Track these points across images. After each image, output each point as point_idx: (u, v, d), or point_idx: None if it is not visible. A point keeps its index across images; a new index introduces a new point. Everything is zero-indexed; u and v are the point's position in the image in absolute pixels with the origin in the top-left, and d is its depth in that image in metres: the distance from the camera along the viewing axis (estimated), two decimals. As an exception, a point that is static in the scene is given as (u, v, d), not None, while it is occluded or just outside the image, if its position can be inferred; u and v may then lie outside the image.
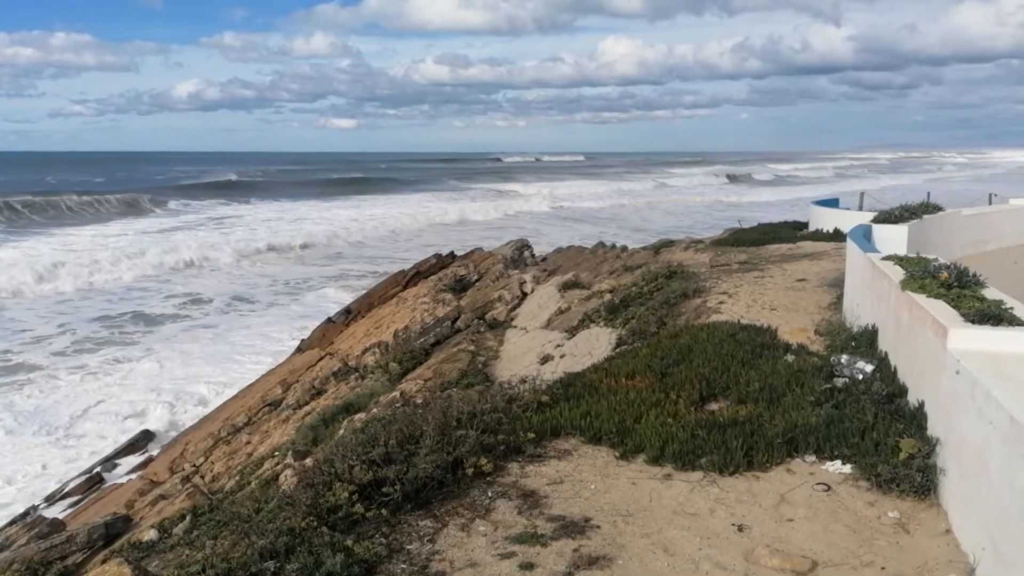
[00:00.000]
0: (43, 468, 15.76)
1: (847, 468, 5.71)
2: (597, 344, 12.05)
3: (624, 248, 24.44)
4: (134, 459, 15.90)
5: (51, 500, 14.35)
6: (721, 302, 11.55)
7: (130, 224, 51.88)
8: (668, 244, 21.99)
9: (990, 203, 20.99)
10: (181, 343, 23.87)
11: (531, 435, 6.36)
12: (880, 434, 5.85)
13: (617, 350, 10.45)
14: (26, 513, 13.37)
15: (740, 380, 7.40)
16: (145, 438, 16.83)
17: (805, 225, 22.01)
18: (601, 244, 26.79)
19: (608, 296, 14.75)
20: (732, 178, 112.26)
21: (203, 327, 26.15)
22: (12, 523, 12.49)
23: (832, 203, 23.55)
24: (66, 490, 14.35)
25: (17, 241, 42.40)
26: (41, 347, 23.42)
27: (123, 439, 16.79)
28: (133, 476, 14.63)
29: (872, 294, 8.13)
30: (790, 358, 7.98)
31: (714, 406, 7.07)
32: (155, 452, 16.05)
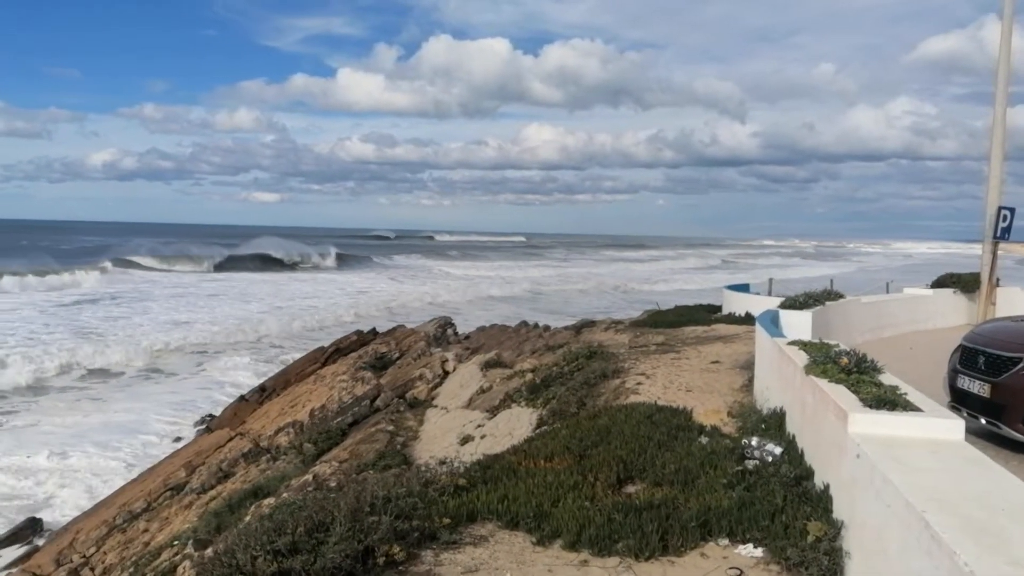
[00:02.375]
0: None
1: (759, 551, 5.78)
2: (518, 424, 12.00)
3: (547, 327, 24.73)
4: (13, 551, 14.59)
5: None
6: (639, 383, 11.75)
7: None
8: (589, 324, 22.40)
9: (887, 291, 22.37)
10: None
11: (447, 520, 6.19)
12: (789, 517, 5.96)
13: (537, 431, 10.41)
14: None
15: (656, 462, 7.46)
16: (31, 526, 15.51)
17: (719, 308, 22.84)
18: (524, 323, 27.05)
19: (530, 376, 14.79)
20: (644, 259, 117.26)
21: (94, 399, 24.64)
22: None
23: (743, 288, 24.59)
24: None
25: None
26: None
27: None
28: (14, 570, 13.39)
29: (779, 377, 8.43)
30: (704, 440, 8.12)
31: (631, 488, 7.09)
32: (40, 542, 14.78)
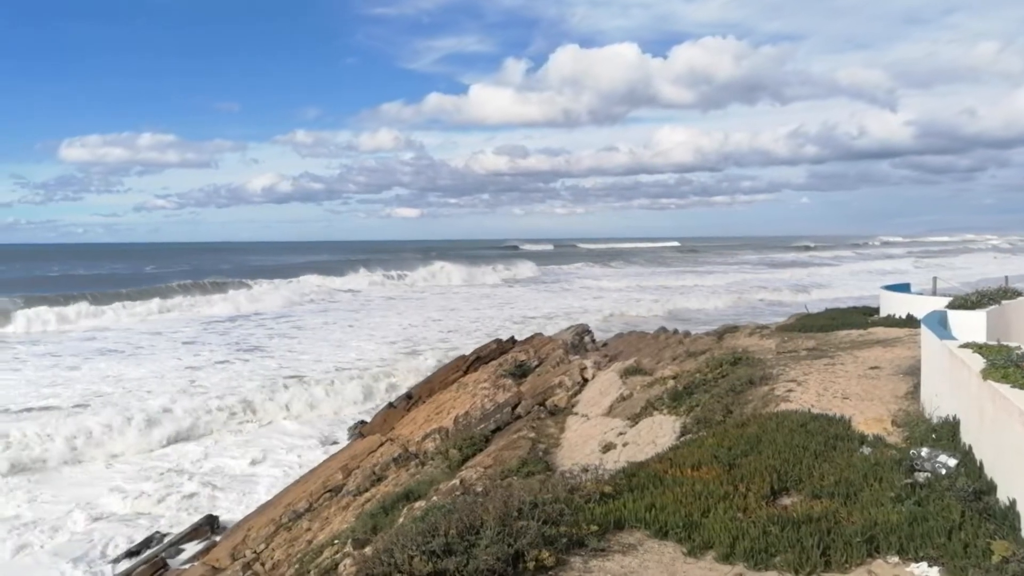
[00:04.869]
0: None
1: (934, 571, 5.34)
2: (661, 432, 11.77)
3: (687, 334, 24.12)
4: (194, 546, 16.01)
5: (116, 561, 15.35)
6: (790, 390, 11.20)
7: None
8: (732, 329, 21.59)
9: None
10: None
11: (594, 527, 6.18)
12: (969, 535, 5.48)
13: (681, 439, 10.17)
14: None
15: (813, 473, 7.08)
16: (209, 523, 16.96)
17: (876, 310, 21.38)
18: (663, 329, 26.54)
19: (671, 383, 14.48)
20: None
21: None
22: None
23: (903, 288, 22.89)
24: (132, 573, 14.48)
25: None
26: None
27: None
28: (195, 563, 14.69)
29: (951, 384, 7.77)
30: (866, 450, 7.62)
31: (786, 500, 6.77)
32: (217, 538, 16.13)
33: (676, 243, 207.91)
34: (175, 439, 22.44)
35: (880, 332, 16.95)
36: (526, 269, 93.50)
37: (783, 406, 10.17)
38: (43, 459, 20.19)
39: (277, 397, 26.15)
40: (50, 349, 38.24)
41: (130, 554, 15.65)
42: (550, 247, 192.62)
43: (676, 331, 25.62)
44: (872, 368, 12.55)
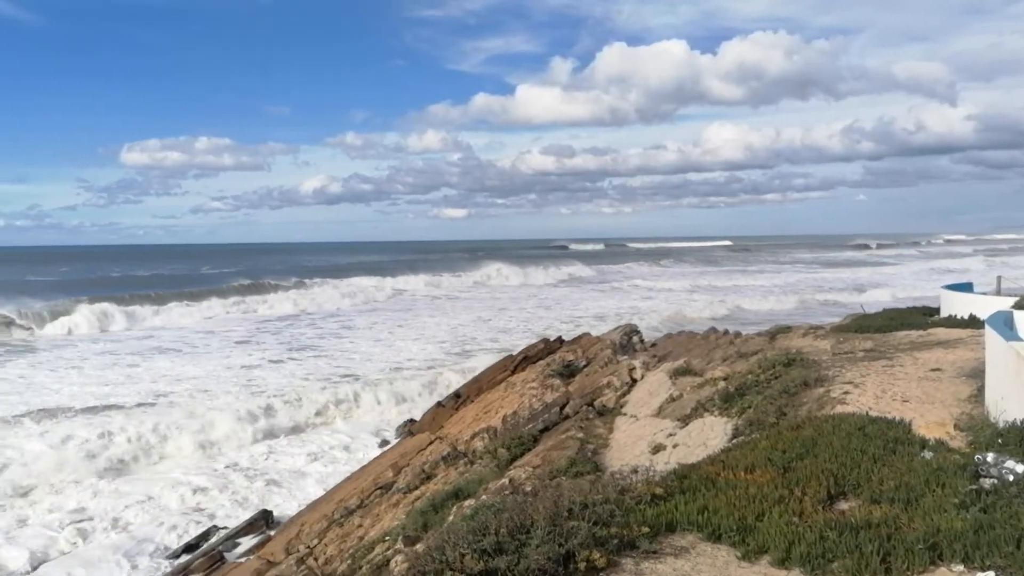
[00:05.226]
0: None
1: (1002, 581, 5.15)
2: (712, 434, 11.61)
3: (737, 334, 23.74)
4: (250, 540, 16.40)
5: (175, 556, 15.86)
6: (846, 392, 10.94)
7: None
8: (784, 330, 21.16)
9: None
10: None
11: (645, 529, 6.12)
12: (1040, 544, 5.26)
13: (733, 441, 10.02)
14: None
15: (872, 478, 6.89)
16: (264, 518, 17.36)
17: (936, 311, 20.72)
18: (713, 330, 26.18)
19: (722, 384, 14.27)
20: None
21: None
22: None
23: (965, 287, 22.14)
24: (191, 566, 14.92)
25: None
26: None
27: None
28: (251, 556, 15.05)
29: (1019, 387, 7.49)
30: (928, 455, 7.38)
31: (843, 505, 6.60)
32: (272, 533, 16.50)
33: (728, 242, 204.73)
34: (233, 436, 22.99)
35: (941, 333, 16.43)
36: (578, 269, 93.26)
37: (839, 409, 9.94)
38: (106, 456, 20.90)
39: (331, 396, 26.63)
40: (109, 348, 39.66)
41: (188, 548, 16.12)
42: (600, 246, 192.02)
43: (726, 331, 25.23)
44: (933, 370, 12.17)
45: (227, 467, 21.03)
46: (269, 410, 24.71)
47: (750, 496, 6.62)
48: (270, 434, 23.50)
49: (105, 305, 49.72)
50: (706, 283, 77.36)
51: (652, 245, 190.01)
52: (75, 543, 16.43)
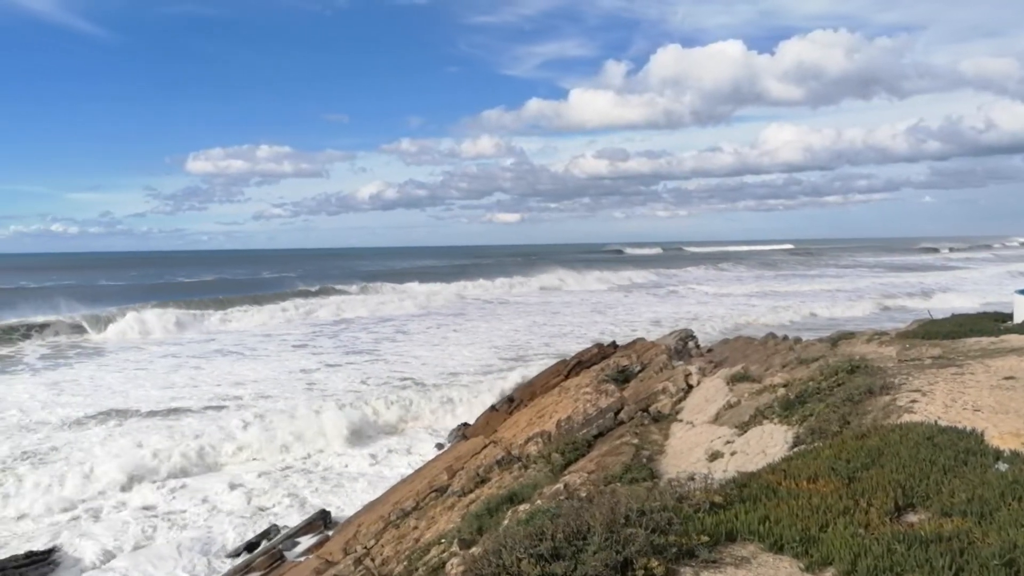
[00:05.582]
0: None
1: (1086, 601, 4.90)
2: (771, 442, 11.35)
3: (797, 340, 23.19)
4: (308, 540, 16.73)
5: (236, 555, 16.23)
6: (914, 401, 10.56)
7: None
8: (847, 336, 20.57)
9: None
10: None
11: (704, 538, 6.02)
12: None
13: (794, 450, 9.78)
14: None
15: (942, 490, 6.65)
16: (322, 518, 17.69)
17: (1009, 316, 19.87)
18: (772, 335, 25.63)
19: (782, 391, 13.94)
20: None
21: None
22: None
23: (1041, 292, 21.15)
24: (252, 564, 15.30)
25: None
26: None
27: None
28: (310, 556, 15.35)
29: (1102, 396, 7.11)
30: (1003, 467, 7.08)
31: (912, 518, 6.38)
32: (330, 533, 16.80)
33: (790, 245, 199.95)
34: (293, 439, 23.49)
35: (1015, 340, 15.73)
36: (635, 273, 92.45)
37: (906, 417, 9.61)
38: (173, 457, 21.58)
39: (388, 400, 27.01)
40: (173, 351, 41.07)
41: (249, 546, 16.53)
42: (656, 250, 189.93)
43: (785, 337, 24.67)
44: (1006, 379, 11.66)
45: (287, 468, 21.52)
46: (328, 413, 25.18)
47: (813, 506, 6.46)
48: (329, 437, 23.94)
49: (171, 309, 51.64)
50: (769, 288, 75.65)
51: (709, 249, 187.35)
52: (149, 539, 17.04)
